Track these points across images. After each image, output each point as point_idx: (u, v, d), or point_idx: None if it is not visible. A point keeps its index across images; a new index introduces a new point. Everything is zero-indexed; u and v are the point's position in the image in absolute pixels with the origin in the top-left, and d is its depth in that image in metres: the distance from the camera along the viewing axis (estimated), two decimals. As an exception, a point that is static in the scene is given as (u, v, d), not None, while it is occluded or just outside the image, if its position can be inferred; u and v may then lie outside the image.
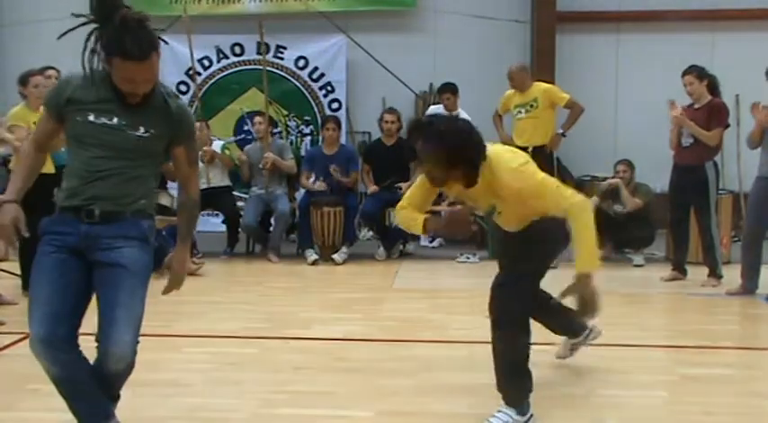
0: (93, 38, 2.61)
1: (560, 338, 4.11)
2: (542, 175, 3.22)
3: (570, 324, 3.96)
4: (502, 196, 3.23)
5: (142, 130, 2.73)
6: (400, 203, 3.42)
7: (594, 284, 3.10)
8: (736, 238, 7.51)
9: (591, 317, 3.32)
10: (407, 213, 3.36)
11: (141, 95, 2.68)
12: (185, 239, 3.00)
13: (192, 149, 2.94)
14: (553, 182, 3.24)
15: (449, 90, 7.93)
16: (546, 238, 3.35)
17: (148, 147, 2.77)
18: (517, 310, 3.29)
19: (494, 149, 3.23)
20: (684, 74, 6.27)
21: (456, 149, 3.05)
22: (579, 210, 3.13)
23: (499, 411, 3.33)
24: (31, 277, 2.75)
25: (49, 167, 5.94)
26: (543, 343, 4.52)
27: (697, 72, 6.24)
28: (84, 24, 2.63)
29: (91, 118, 2.69)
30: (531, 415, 3.35)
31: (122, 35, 2.53)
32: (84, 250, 2.74)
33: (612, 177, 7.38)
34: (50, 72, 6.25)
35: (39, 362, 2.67)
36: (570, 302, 3.24)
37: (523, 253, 3.38)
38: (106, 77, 2.67)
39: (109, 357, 2.67)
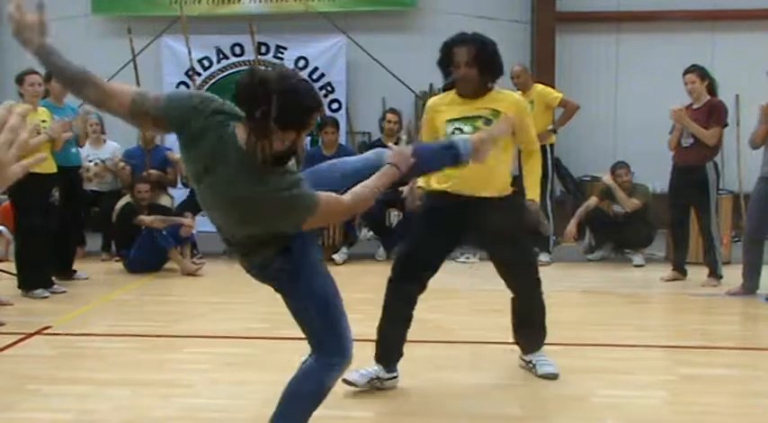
0: None
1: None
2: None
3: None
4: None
5: None
6: None
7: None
8: (736, 238, 7.50)
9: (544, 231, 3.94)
10: None
11: None
12: None
13: None
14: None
15: None
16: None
17: None
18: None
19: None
20: (686, 72, 6.26)
21: (488, 53, 3.70)
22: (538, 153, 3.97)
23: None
24: None
25: (51, 167, 5.93)
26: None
27: (699, 72, 6.24)
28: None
29: None
30: None
31: None
32: None
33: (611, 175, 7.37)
34: None
35: None
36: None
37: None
38: None
39: None
